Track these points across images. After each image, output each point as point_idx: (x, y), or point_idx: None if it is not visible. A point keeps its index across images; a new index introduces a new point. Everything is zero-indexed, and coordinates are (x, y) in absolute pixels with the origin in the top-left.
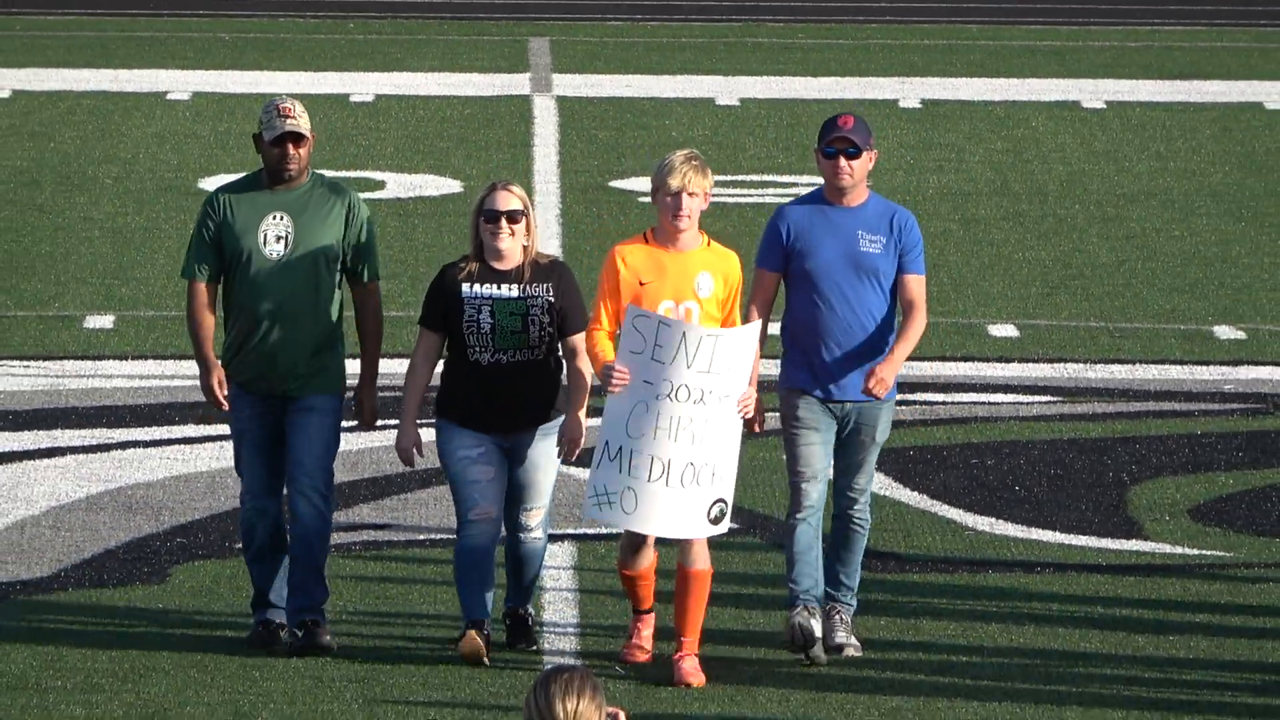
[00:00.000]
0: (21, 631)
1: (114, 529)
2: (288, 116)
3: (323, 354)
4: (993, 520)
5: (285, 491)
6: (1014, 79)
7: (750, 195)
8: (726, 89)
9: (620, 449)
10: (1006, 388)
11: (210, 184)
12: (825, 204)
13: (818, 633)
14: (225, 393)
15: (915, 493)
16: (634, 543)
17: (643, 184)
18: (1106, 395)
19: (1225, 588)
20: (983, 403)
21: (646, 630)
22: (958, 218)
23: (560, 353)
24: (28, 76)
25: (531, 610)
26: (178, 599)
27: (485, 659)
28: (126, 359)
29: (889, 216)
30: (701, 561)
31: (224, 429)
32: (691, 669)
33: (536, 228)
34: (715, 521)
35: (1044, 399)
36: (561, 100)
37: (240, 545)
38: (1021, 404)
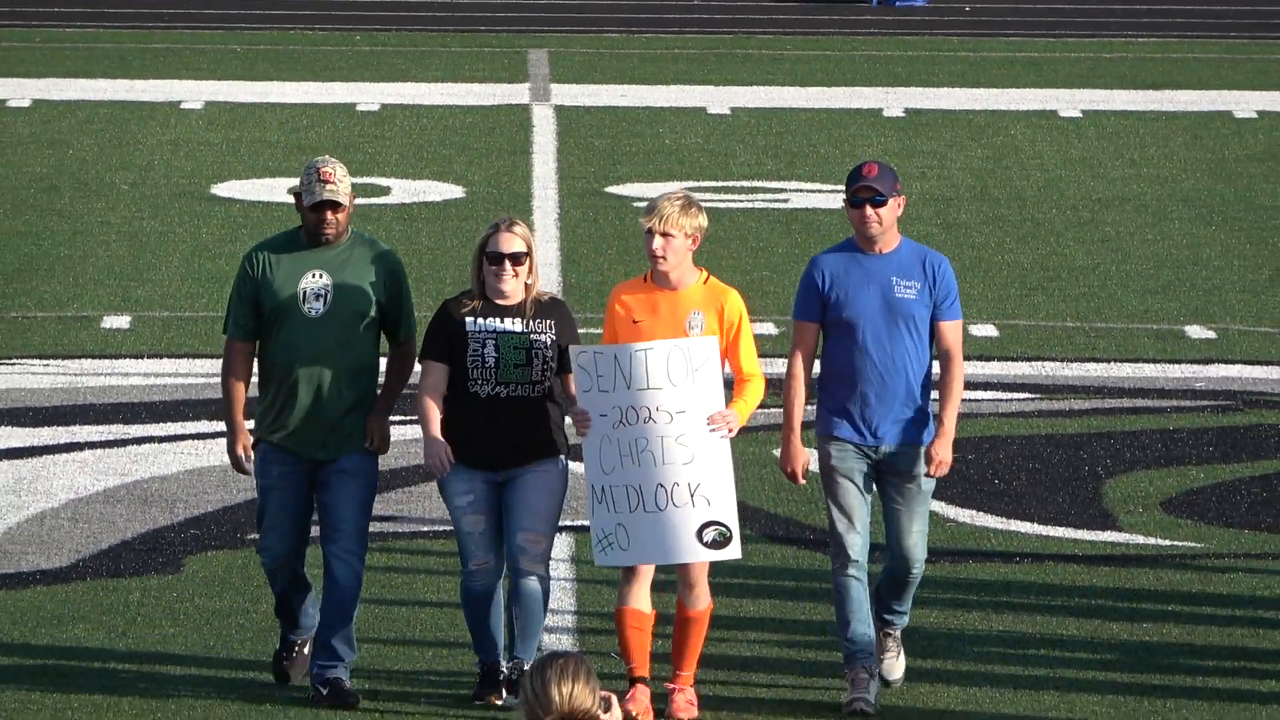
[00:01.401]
0: (41, 619)
1: (130, 521)
2: (327, 183)
3: (358, 414)
4: (973, 512)
5: (324, 551)
6: (993, 89)
7: (740, 201)
8: (718, 98)
9: (603, 489)
10: (986, 385)
11: (223, 190)
12: (858, 252)
13: (873, 699)
14: (251, 459)
15: None
16: (629, 581)
17: (637, 190)
18: (1082, 392)
19: (1196, 577)
20: (963, 399)
21: (643, 697)
22: (939, 222)
23: (559, 390)
24: (47, 86)
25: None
26: (191, 588)
27: (501, 697)
28: (142, 358)
29: (921, 261)
30: (703, 603)
31: None
32: (684, 704)
33: (538, 265)
34: (714, 546)
35: (1022, 396)
36: (559, 109)
37: (253, 536)
38: (1001, 400)
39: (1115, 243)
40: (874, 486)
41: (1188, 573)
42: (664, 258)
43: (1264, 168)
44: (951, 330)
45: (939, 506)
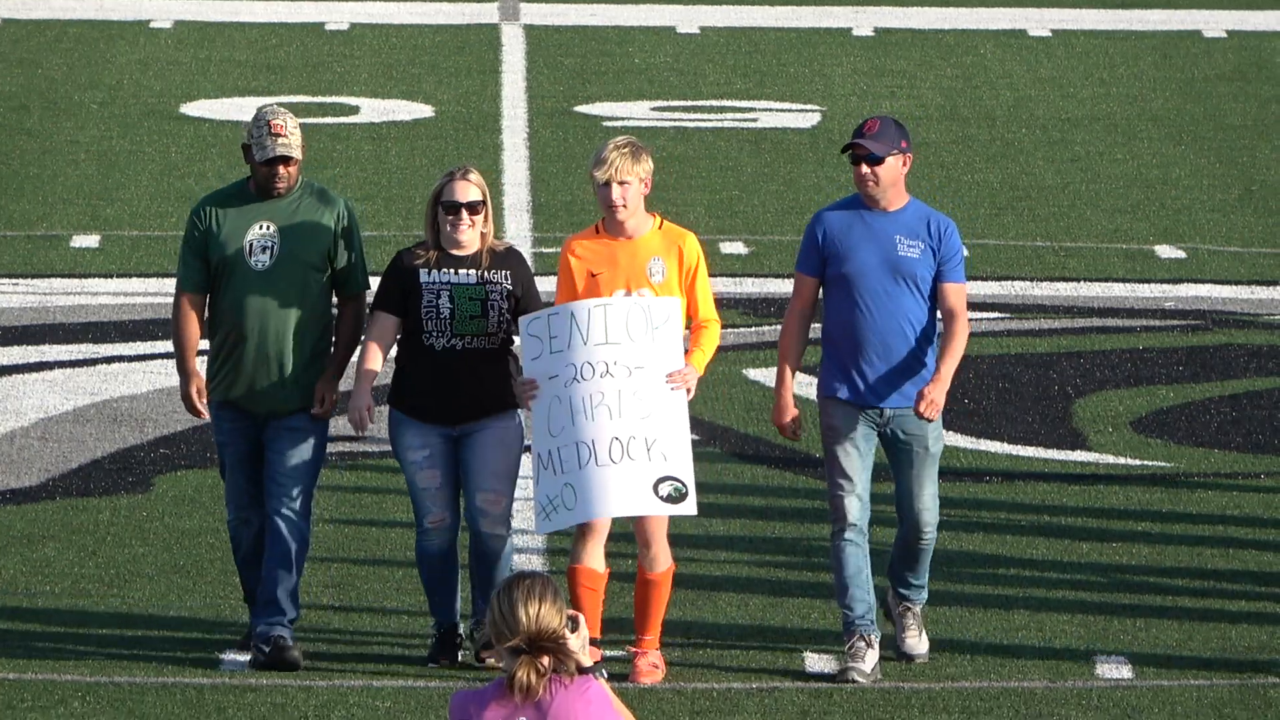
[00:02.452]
0: (11, 539)
1: (100, 440)
2: (279, 136)
3: (308, 370)
4: (942, 431)
5: (268, 510)
6: (963, 8)
7: (709, 120)
8: (687, 18)
9: (550, 453)
10: None
11: (192, 109)
12: (863, 208)
13: (869, 670)
14: (205, 402)
15: None
16: (583, 538)
17: (607, 109)
18: (1052, 312)
19: (1165, 496)
20: None
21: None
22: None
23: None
24: (16, 5)
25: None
26: (161, 507)
27: (456, 662)
28: (111, 277)
29: (927, 222)
30: (662, 564)
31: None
32: (647, 667)
33: (493, 214)
34: (670, 500)
35: (992, 315)
36: (529, 28)
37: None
38: (970, 320)
39: (1085, 162)
40: (876, 449)
41: (1157, 492)
42: (623, 206)
43: (1233, 87)
44: (955, 292)
45: None
